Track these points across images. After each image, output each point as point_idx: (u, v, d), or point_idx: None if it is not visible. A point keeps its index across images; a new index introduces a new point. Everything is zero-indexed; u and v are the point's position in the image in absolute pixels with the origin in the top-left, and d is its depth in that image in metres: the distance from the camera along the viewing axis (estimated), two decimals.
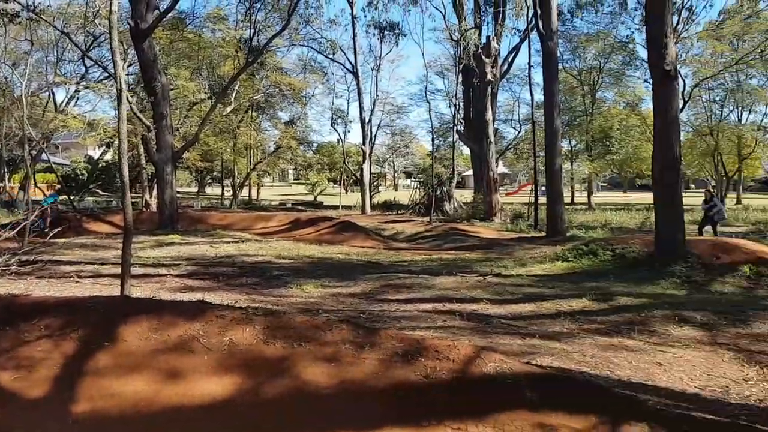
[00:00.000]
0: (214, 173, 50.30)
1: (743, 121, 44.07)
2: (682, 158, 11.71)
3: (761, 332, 6.78)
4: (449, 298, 8.51)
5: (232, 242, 16.04)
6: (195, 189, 55.86)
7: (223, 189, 48.53)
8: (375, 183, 47.47)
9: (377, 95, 39.79)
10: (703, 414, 4.16)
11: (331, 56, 38.60)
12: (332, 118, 43.95)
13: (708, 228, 17.66)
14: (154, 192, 29.64)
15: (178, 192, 26.45)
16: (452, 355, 4.11)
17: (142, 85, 22.00)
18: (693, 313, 7.33)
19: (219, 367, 4.14)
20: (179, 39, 28.66)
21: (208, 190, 57.25)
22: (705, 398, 4.68)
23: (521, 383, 3.85)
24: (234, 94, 32.85)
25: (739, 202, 44.73)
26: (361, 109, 36.53)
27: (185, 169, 46.34)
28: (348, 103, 46.65)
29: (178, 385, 4.02)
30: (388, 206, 36.91)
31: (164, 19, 21.67)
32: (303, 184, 57.44)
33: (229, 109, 32.95)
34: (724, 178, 44.37)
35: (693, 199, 26.84)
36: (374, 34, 37.55)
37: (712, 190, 19.21)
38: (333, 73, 42.20)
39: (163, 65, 24.16)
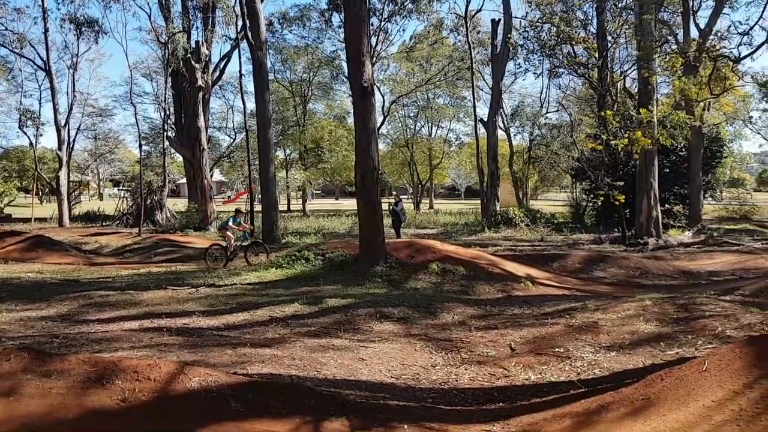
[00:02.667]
0: None
1: (433, 136, 50.19)
2: (382, 167, 12.76)
3: (446, 322, 7.73)
4: (158, 314, 8.07)
5: None
6: None
7: None
8: (76, 192, 42.87)
9: (75, 96, 35.99)
10: (397, 401, 4.57)
11: (18, 51, 33.87)
12: (21, 120, 38.48)
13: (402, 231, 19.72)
14: None
15: None
16: (153, 374, 3.90)
17: None
18: (392, 309, 8.04)
19: None
20: None
21: None
22: (399, 386, 5.15)
23: (226, 395, 3.79)
24: None
25: (431, 206, 50.73)
26: (56, 110, 32.69)
27: None
28: (40, 103, 41.12)
29: None
30: (91, 218, 33.61)
31: None
32: None
33: None
34: (420, 186, 49.88)
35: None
36: (70, 30, 33.84)
37: (400, 196, 21.63)
38: (21, 70, 37.06)
39: None
